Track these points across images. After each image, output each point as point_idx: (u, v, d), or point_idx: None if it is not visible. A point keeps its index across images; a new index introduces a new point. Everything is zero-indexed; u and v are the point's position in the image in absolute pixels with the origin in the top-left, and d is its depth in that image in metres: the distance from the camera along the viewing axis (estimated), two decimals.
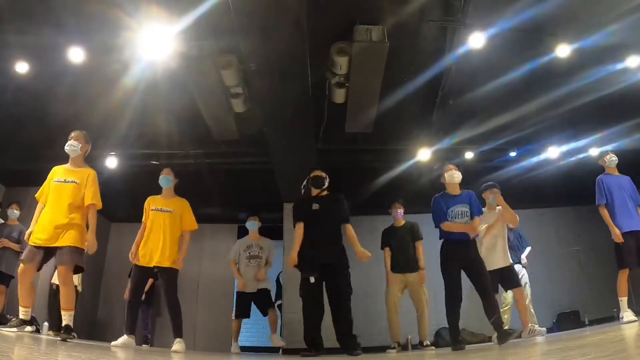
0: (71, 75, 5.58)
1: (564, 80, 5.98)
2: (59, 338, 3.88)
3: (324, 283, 4.31)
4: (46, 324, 5.83)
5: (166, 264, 4.54)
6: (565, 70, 5.77)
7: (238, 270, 5.94)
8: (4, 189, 7.66)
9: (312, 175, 4.60)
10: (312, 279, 4.18)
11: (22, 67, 5.47)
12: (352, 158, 7.55)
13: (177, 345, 4.47)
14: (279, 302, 8.70)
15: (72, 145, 4.15)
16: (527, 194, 7.48)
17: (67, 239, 3.88)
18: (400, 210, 5.85)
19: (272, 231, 8.87)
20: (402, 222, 5.85)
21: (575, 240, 8.55)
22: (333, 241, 4.36)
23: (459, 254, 4.38)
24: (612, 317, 7.06)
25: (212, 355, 4.96)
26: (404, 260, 5.62)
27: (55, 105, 6.11)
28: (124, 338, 4.41)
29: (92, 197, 4.04)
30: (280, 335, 8.11)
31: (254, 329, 10.21)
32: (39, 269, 3.98)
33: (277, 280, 9.02)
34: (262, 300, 5.86)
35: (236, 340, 6.00)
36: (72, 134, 4.22)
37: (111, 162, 7.29)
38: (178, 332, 4.55)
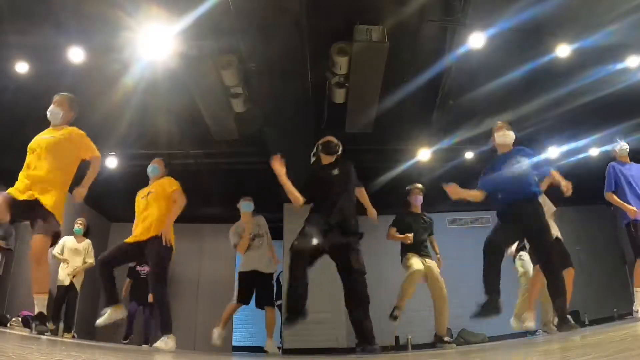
0: (71, 75, 5.58)
1: (564, 80, 5.98)
2: (35, 332, 3.42)
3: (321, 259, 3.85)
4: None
5: (150, 235, 4.12)
6: (565, 70, 5.77)
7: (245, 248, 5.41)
8: (4, 189, 7.65)
9: (322, 141, 4.27)
10: (314, 241, 3.59)
11: (22, 67, 5.48)
12: (352, 158, 7.52)
13: (160, 342, 4.00)
14: (279, 302, 8.70)
15: (52, 112, 3.78)
16: None
17: (45, 198, 3.45)
18: (420, 197, 5.45)
19: (272, 231, 8.87)
20: (419, 211, 5.46)
21: (575, 240, 8.55)
22: (349, 204, 4.03)
23: (520, 217, 3.72)
24: (612, 317, 7.07)
25: (212, 355, 4.95)
26: (422, 245, 5.23)
27: None
28: (108, 310, 3.99)
29: (91, 149, 3.74)
30: (280, 335, 8.12)
31: (254, 329, 10.22)
32: (11, 220, 3.57)
33: (277, 281, 9.02)
34: (265, 288, 5.31)
35: (224, 327, 5.40)
36: (55, 98, 3.81)
37: (111, 162, 7.30)
38: (166, 328, 4.04)
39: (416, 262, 5.05)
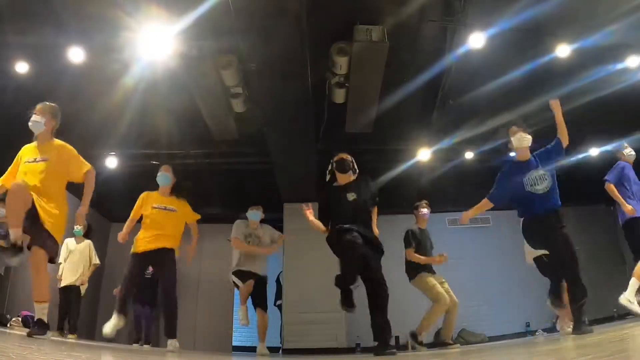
0: (71, 75, 5.58)
1: (564, 80, 5.98)
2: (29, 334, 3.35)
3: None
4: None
5: (166, 246, 4.33)
6: (565, 70, 5.77)
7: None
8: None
9: (335, 159, 4.16)
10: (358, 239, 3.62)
11: (22, 67, 5.47)
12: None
13: (171, 346, 4.31)
14: (279, 302, 8.69)
15: (34, 121, 3.67)
16: None
17: (45, 223, 3.38)
18: (427, 210, 5.50)
19: None
20: (426, 226, 5.55)
21: (575, 240, 8.54)
22: (369, 231, 3.90)
23: (540, 229, 3.76)
24: (612, 317, 7.07)
25: (212, 356, 4.95)
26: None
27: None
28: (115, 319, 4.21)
29: (81, 166, 3.66)
30: (280, 335, 8.12)
31: (254, 329, 10.19)
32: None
33: (277, 281, 9.02)
34: (259, 290, 5.26)
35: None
36: (37, 107, 3.72)
37: (111, 162, 7.30)
38: (172, 332, 4.33)
39: (442, 292, 5.02)
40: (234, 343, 9.21)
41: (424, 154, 7.31)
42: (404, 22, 5.13)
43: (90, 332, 7.84)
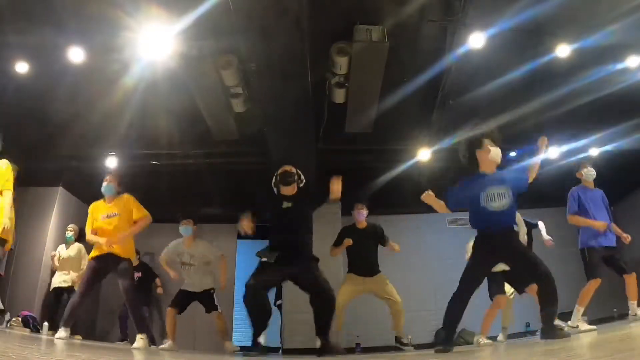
0: (71, 75, 5.58)
1: (564, 80, 5.98)
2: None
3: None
4: (46, 324, 5.83)
5: (119, 255, 4.51)
6: (565, 70, 5.77)
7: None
8: None
9: (280, 171, 4.31)
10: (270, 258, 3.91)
11: (22, 67, 5.47)
12: (352, 158, 7.55)
13: (139, 341, 4.38)
14: (279, 302, 8.69)
15: None
16: (527, 194, 7.46)
17: None
18: (363, 212, 5.51)
19: None
20: (365, 224, 5.55)
21: (576, 240, 8.53)
22: (301, 247, 4.05)
23: (494, 249, 3.62)
24: (612, 317, 7.07)
25: (212, 355, 4.95)
26: (363, 263, 5.36)
27: (55, 105, 6.11)
28: (63, 331, 4.21)
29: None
30: (280, 335, 8.11)
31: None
32: None
33: None
34: (205, 300, 5.55)
35: (171, 337, 5.36)
36: None
37: (111, 162, 7.29)
38: (140, 328, 4.46)
39: (345, 291, 5.20)
40: (234, 343, 9.19)
41: (424, 154, 7.31)
42: (404, 22, 5.13)
43: (91, 332, 7.83)
